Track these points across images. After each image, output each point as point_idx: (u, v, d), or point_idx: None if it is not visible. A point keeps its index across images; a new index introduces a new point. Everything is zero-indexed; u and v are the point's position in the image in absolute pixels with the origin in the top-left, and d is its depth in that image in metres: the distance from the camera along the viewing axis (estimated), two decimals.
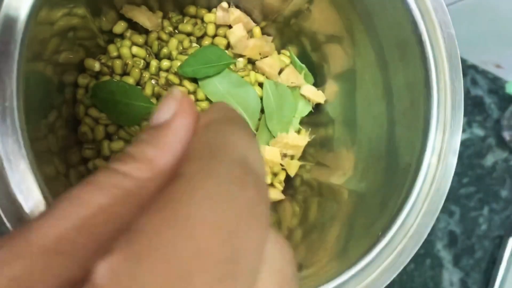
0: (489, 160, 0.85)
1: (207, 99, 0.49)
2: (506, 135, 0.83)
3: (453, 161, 0.39)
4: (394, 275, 0.38)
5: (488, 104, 0.86)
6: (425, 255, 0.81)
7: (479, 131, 0.85)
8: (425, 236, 0.38)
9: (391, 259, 0.37)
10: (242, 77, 0.50)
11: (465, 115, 0.83)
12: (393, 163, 0.43)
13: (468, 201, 0.83)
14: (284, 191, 0.54)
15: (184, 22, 0.53)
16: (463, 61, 0.84)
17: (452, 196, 0.82)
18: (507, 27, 0.81)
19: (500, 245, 0.82)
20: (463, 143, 0.84)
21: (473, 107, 0.85)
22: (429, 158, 0.39)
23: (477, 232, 0.82)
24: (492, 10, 0.79)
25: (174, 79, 0.48)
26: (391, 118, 0.44)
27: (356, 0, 0.44)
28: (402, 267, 0.38)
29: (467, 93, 0.85)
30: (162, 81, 0.48)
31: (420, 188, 0.39)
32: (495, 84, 0.86)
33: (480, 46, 0.85)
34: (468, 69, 0.85)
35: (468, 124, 0.84)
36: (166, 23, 0.52)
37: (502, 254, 0.80)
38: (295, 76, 0.52)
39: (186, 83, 0.48)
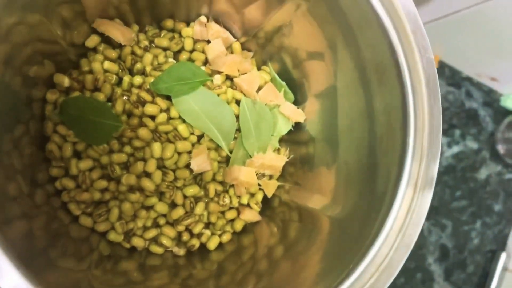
0: (482, 173, 0.84)
1: (180, 117, 0.47)
2: (501, 148, 0.82)
3: (429, 193, 0.37)
4: None
5: (482, 117, 0.85)
6: (416, 269, 0.80)
7: (473, 144, 0.83)
8: (397, 271, 0.37)
9: None
10: (218, 94, 0.49)
11: (459, 127, 0.83)
12: (369, 190, 0.41)
13: (460, 214, 0.82)
14: (261, 212, 0.52)
15: (161, 36, 0.51)
16: (458, 73, 0.83)
17: (444, 210, 0.81)
18: (503, 40, 0.79)
19: (492, 260, 0.81)
20: (456, 156, 0.83)
21: (468, 120, 0.84)
22: (405, 188, 0.37)
23: (469, 246, 0.82)
24: (487, 22, 0.78)
25: (146, 96, 0.46)
26: (370, 141, 0.42)
27: (338, 17, 0.42)
28: None
29: (461, 105, 0.84)
30: (133, 97, 0.46)
31: (394, 219, 0.37)
32: (490, 97, 0.85)
33: (475, 58, 0.84)
34: (463, 81, 0.84)
35: (462, 137, 0.83)
36: (142, 36, 0.50)
37: (494, 269, 0.79)
38: (274, 94, 0.50)
39: (159, 100, 0.47)
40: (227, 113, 0.48)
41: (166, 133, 0.46)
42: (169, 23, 0.51)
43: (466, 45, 0.82)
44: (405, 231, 0.37)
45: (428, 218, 0.80)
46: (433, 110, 0.38)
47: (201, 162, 0.45)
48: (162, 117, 0.46)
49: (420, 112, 0.38)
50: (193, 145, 0.47)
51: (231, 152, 0.49)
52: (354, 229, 0.40)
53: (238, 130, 0.50)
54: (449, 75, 0.84)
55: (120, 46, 0.49)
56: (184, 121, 0.47)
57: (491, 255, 0.81)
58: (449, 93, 0.84)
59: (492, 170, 0.83)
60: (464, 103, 0.84)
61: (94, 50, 0.49)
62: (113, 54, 0.48)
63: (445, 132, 0.82)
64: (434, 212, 0.81)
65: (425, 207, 0.37)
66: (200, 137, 0.48)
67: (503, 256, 0.79)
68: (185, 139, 0.47)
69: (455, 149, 0.83)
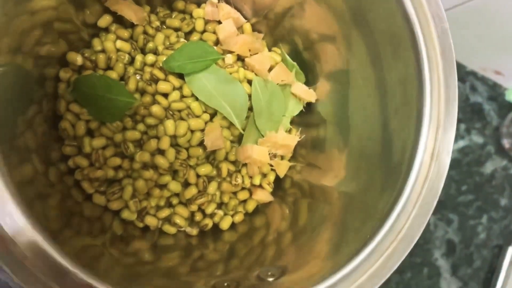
0: (488, 167, 0.83)
1: (193, 95, 0.47)
2: (506, 142, 0.82)
3: (446, 160, 0.37)
4: (383, 280, 0.36)
5: (487, 111, 0.85)
6: (423, 264, 0.79)
7: (478, 139, 0.83)
8: (416, 239, 0.36)
9: (380, 263, 0.36)
10: (231, 73, 0.49)
11: (464, 122, 0.83)
12: (384, 163, 0.41)
13: (466, 209, 0.81)
14: (273, 193, 0.52)
15: (172, 17, 0.51)
16: (463, 67, 0.83)
17: (451, 204, 0.81)
18: (507, 33, 0.79)
19: (499, 255, 0.80)
20: (462, 151, 0.83)
21: (472, 114, 0.84)
22: (421, 156, 0.37)
23: (476, 241, 0.81)
24: (492, 15, 0.78)
25: (159, 74, 0.46)
26: (384, 117, 0.42)
27: None
28: (391, 272, 0.36)
29: (466, 99, 0.84)
30: (146, 76, 0.46)
31: (411, 189, 0.37)
32: (495, 91, 0.85)
33: (479, 52, 0.83)
34: (468, 75, 0.84)
35: (467, 131, 0.83)
36: (153, 17, 0.51)
37: (501, 264, 0.78)
38: (285, 74, 0.50)
39: (172, 78, 0.47)
40: (239, 91, 0.48)
41: (179, 111, 0.46)
42: (180, 4, 0.51)
43: (470, 39, 0.82)
44: (422, 200, 0.37)
45: (434, 212, 0.79)
46: (449, 80, 0.38)
47: (214, 139, 0.45)
48: (175, 95, 0.46)
49: (436, 82, 0.38)
50: (206, 123, 0.47)
51: (244, 130, 0.49)
52: (370, 201, 0.40)
53: (250, 109, 0.50)
54: None
55: (132, 26, 0.49)
56: (197, 99, 0.47)
57: (498, 250, 0.81)
58: None
59: (498, 165, 0.83)
60: (469, 98, 0.84)
61: (106, 30, 0.49)
62: (125, 33, 0.48)
63: None
64: (440, 207, 0.80)
65: (443, 174, 0.37)
66: (213, 115, 0.48)
67: (510, 251, 0.79)
68: (198, 117, 0.47)
69: (461, 143, 0.83)
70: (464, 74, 0.84)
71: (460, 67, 0.84)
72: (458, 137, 0.82)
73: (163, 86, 0.46)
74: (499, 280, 0.78)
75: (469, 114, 0.84)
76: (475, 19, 0.79)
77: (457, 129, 0.81)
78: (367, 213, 0.40)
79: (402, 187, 0.37)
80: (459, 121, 0.82)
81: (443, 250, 0.80)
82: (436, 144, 0.37)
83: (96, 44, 0.48)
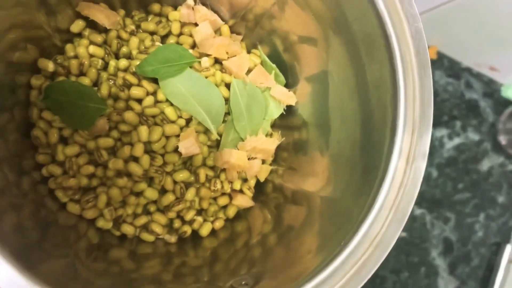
0: (484, 165, 0.82)
1: (168, 100, 0.46)
2: (502, 139, 0.81)
3: (422, 165, 0.36)
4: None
5: (483, 108, 0.84)
6: (420, 263, 0.79)
7: (474, 136, 0.82)
8: (391, 245, 0.35)
9: (354, 271, 0.35)
10: (207, 77, 0.48)
11: (459, 119, 0.82)
12: (361, 167, 0.40)
13: (463, 207, 0.81)
14: (254, 198, 0.51)
15: (148, 20, 0.50)
16: (457, 63, 0.82)
17: (447, 202, 0.80)
18: (502, 28, 0.78)
19: (497, 253, 0.80)
20: (458, 148, 0.82)
21: (468, 111, 0.83)
22: (396, 161, 0.36)
23: (473, 239, 0.80)
24: (486, 11, 0.77)
25: (132, 79, 0.45)
26: (362, 118, 0.41)
27: None
28: (365, 280, 0.35)
29: (461, 96, 0.83)
30: (119, 81, 0.45)
31: (386, 194, 0.36)
32: (490, 87, 0.84)
33: (474, 48, 0.83)
34: (463, 71, 0.83)
35: (462, 128, 0.82)
36: (128, 21, 0.50)
37: (499, 262, 0.78)
38: (264, 76, 0.49)
39: (145, 83, 0.46)
40: (215, 95, 0.47)
41: (153, 116, 0.45)
42: (156, 7, 0.50)
43: (465, 34, 0.81)
44: (398, 206, 0.36)
45: (431, 211, 0.79)
46: (424, 81, 0.37)
47: (189, 145, 0.44)
48: (149, 100, 0.46)
49: (410, 83, 0.37)
50: (181, 128, 0.46)
51: (220, 135, 0.48)
52: (346, 206, 0.39)
53: (228, 113, 0.49)
54: (448, 66, 0.83)
55: (105, 31, 0.48)
56: (171, 104, 0.46)
57: (496, 247, 0.80)
58: (449, 84, 0.83)
59: (494, 162, 0.82)
60: (464, 94, 0.83)
61: (80, 35, 0.48)
62: (99, 38, 0.47)
63: (445, 124, 0.81)
64: (436, 205, 0.79)
65: (418, 180, 0.36)
66: (188, 121, 0.47)
67: (508, 249, 0.78)
68: (173, 122, 0.46)
69: (456, 140, 0.82)
70: (459, 71, 0.83)
71: (454, 63, 0.83)
72: (453, 134, 0.81)
73: (136, 92, 0.45)
74: (498, 278, 0.78)
75: (465, 111, 0.83)
76: (469, 15, 0.78)
77: (453, 126, 0.81)
78: (343, 218, 0.39)
79: (377, 192, 0.36)
80: (454, 118, 0.81)
81: (440, 249, 0.80)
82: (412, 148, 0.36)
83: (69, 50, 0.47)
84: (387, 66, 0.37)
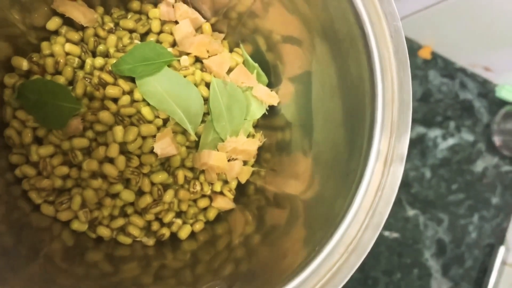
0: (479, 165, 0.82)
1: (144, 100, 0.45)
2: (497, 140, 0.81)
3: (399, 168, 0.35)
4: None
5: (477, 108, 0.83)
6: (413, 264, 0.78)
7: (468, 136, 0.81)
8: (367, 251, 0.34)
9: (329, 277, 0.34)
10: (185, 76, 0.46)
11: (454, 119, 0.81)
12: (340, 169, 0.39)
13: (457, 208, 0.80)
14: (236, 200, 0.50)
15: (128, 18, 0.49)
16: (452, 63, 0.81)
17: (441, 203, 0.79)
18: (496, 28, 0.77)
19: (490, 254, 0.79)
20: (452, 149, 0.81)
21: (462, 111, 0.82)
22: (374, 163, 0.35)
23: (467, 240, 0.80)
24: (480, 11, 0.76)
25: (107, 78, 0.44)
26: (343, 120, 0.40)
27: None
28: (341, 285, 0.34)
29: (455, 97, 0.82)
30: (95, 80, 0.44)
31: (362, 197, 0.35)
32: (485, 88, 0.83)
33: (468, 48, 0.82)
34: (457, 72, 0.82)
35: (457, 129, 0.81)
36: (107, 19, 0.48)
37: (493, 263, 0.78)
38: (245, 75, 0.48)
39: (122, 82, 0.45)
40: (194, 95, 0.45)
41: (130, 116, 0.44)
42: (135, 4, 0.49)
43: (459, 34, 0.80)
44: (375, 210, 0.35)
45: (424, 212, 0.78)
46: (403, 82, 0.36)
47: (165, 145, 0.43)
48: (125, 99, 0.44)
49: (389, 84, 0.36)
50: (158, 128, 0.45)
51: (199, 136, 0.47)
52: (323, 210, 0.38)
53: (208, 113, 0.47)
54: (442, 66, 0.82)
55: (83, 29, 0.47)
56: (148, 104, 0.45)
57: (490, 249, 0.80)
58: (443, 84, 0.82)
59: (489, 163, 0.82)
60: (459, 95, 0.83)
61: (56, 33, 0.47)
62: (76, 36, 0.46)
63: (439, 124, 0.80)
64: (430, 206, 0.79)
65: (396, 183, 0.35)
66: (166, 121, 0.46)
67: (501, 250, 0.78)
68: (150, 122, 0.45)
69: (450, 141, 0.81)
70: (453, 71, 0.82)
71: (449, 64, 0.82)
72: (447, 135, 0.81)
73: (111, 91, 0.44)
74: (491, 280, 0.78)
75: (459, 112, 0.82)
76: (463, 14, 0.77)
77: (447, 126, 0.80)
78: (320, 222, 0.38)
79: (354, 195, 0.35)
80: (448, 118, 0.81)
81: (433, 250, 0.79)
82: (390, 150, 0.35)
83: (45, 47, 0.46)
84: (366, 66, 0.36)
